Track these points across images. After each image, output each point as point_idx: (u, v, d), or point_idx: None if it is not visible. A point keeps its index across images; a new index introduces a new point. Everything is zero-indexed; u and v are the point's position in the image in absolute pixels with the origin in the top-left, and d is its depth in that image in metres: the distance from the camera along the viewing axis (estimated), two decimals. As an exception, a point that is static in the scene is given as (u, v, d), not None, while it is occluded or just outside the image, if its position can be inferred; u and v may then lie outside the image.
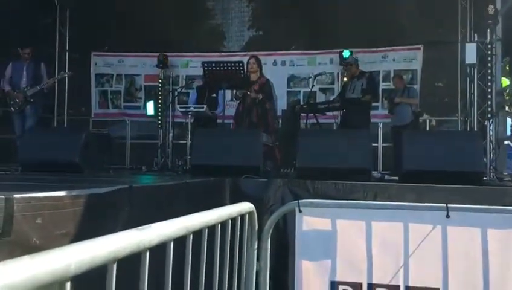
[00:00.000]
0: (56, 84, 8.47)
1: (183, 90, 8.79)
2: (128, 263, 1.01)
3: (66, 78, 8.43)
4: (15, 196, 1.92)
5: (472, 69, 8.05)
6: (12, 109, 7.03)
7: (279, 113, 7.65)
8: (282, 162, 6.51)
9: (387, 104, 8.39)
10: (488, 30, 7.70)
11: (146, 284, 1.09)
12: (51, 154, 5.14)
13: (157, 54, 9.34)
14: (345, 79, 8.11)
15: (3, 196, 1.89)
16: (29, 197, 2.02)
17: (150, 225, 1.08)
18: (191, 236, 1.34)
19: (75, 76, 8.12)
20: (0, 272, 0.60)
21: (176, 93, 8.81)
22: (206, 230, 1.48)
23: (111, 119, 9.82)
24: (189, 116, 7.37)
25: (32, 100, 7.03)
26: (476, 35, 8.04)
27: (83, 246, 0.78)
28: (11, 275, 0.62)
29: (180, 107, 7.69)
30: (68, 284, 0.75)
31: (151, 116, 9.34)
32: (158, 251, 1.13)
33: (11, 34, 8.06)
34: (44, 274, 0.67)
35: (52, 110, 9.32)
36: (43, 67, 7.41)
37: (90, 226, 2.23)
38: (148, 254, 1.06)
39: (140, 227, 1.04)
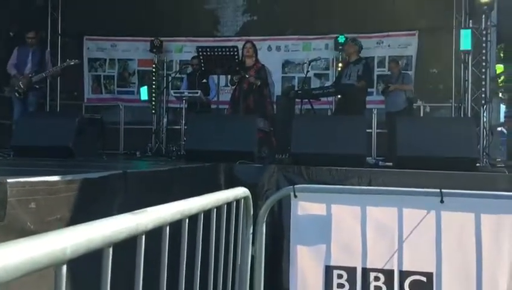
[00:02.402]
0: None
1: (177, 76, 8.73)
2: (123, 248, 1.01)
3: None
4: (8, 180, 1.90)
5: (467, 55, 8.04)
6: (17, 94, 6.95)
7: (273, 99, 7.63)
8: (277, 148, 6.51)
9: (381, 86, 8.37)
10: (483, 16, 7.68)
11: (142, 268, 1.08)
12: (44, 139, 5.11)
13: (151, 38, 9.25)
14: (340, 65, 8.07)
15: (-4, 181, 1.87)
16: (23, 182, 2.00)
17: (145, 209, 1.07)
18: (187, 220, 1.34)
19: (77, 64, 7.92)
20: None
21: (169, 78, 8.75)
22: (202, 214, 1.47)
23: (104, 104, 9.75)
24: (183, 101, 7.34)
25: (37, 86, 6.98)
26: (471, 21, 8.01)
27: (78, 230, 0.78)
28: (7, 258, 0.61)
29: (174, 92, 7.65)
30: (64, 268, 0.74)
31: (144, 101, 9.28)
32: (152, 236, 1.13)
33: (3, 17, 7.94)
34: (40, 257, 0.66)
35: (45, 95, 9.24)
36: (48, 54, 7.33)
37: (85, 211, 2.22)
38: (144, 238, 1.05)
39: (136, 211, 1.03)
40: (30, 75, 6.92)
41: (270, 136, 6.51)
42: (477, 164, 5.19)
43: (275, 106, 7.48)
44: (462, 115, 8.15)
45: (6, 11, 7.95)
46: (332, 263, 2.28)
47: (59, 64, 7.55)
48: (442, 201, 2.16)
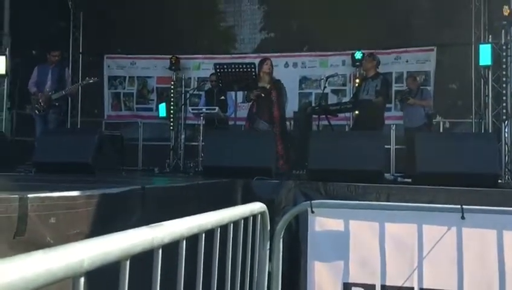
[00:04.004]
0: (80, 88, 8.52)
1: (195, 92, 8.83)
2: (140, 261, 1.01)
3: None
4: (29, 195, 1.94)
5: (486, 70, 7.95)
6: (37, 111, 7.10)
7: (290, 115, 7.64)
8: (290, 162, 6.51)
9: (399, 100, 8.28)
10: (503, 31, 7.61)
11: (159, 282, 1.08)
12: (64, 156, 5.19)
13: (169, 56, 9.39)
14: (357, 80, 8.05)
15: (17, 196, 1.91)
16: (43, 197, 2.04)
17: (162, 222, 1.08)
18: (204, 235, 1.34)
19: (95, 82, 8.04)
20: (13, 266, 0.60)
21: (187, 95, 8.84)
22: (219, 229, 1.47)
23: (124, 121, 9.89)
24: (201, 118, 7.40)
25: (56, 104, 7.12)
26: (490, 36, 7.95)
27: (95, 242, 0.78)
28: (25, 269, 0.62)
29: (192, 109, 7.72)
30: (82, 280, 0.75)
31: (163, 118, 9.38)
32: (169, 251, 1.13)
33: (27, 37, 8.17)
34: (57, 269, 0.67)
35: (65, 112, 9.41)
36: (68, 72, 7.49)
37: (103, 225, 2.24)
38: (160, 251, 1.05)
39: (153, 225, 1.03)
40: (50, 93, 7.07)
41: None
42: (499, 181, 5.09)
43: (292, 122, 7.49)
44: (482, 131, 8.03)
45: (29, 30, 8.18)
46: (351, 280, 2.25)
47: (79, 82, 7.71)
48: (463, 217, 2.12)
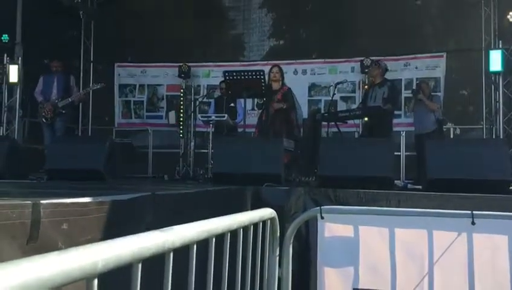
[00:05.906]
0: (91, 95, 8.59)
1: (205, 100, 8.87)
2: (151, 266, 1.02)
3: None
4: (42, 201, 1.96)
5: (497, 76, 7.91)
6: (44, 120, 7.18)
7: (299, 121, 7.64)
8: (304, 171, 6.49)
9: (411, 92, 8.15)
10: (513, 37, 7.58)
11: (170, 286, 1.10)
12: (76, 163, 5.24)
13: (179, 64, 9.46)
14: (366, 87, 8.04)
15: (30, 202, 1.93)
16: (56, 203, 2.06)
17: (172, 227, 1.09)
18: (214, 240, 1.35)
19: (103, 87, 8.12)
20: (29, 266, 0.62)
21: (197, 103, 8.89)
22: (229, 234, 1.48)
23: (134, 129, 9.96)
24: (211, 125, 7.43)
25: (63, 112, 7.19)
26: (500, 42, 7.91)
27: (109, 245, 0.80)
28: (40, 270, 0.63)
29: (202, 116, 7.76)
30: (96, 282, 0.76)
31: (172, 125, 9.44)
32: (179, 256, 1.14)
33: (39, 46, 8.29)
34: (72, 270, 0.68)
35: (77, 120, 9.52)
36: (73, 80, 7.58)
37: (115, 232, 2.25)
38: (172, 255, 1.07)
39: (164, 228, 1.05)
40: (56, 101, 7.15)
41: (296, 158, 6.50)
42: (510, 187, 5.04)
43: (301, 129, 7.48)
44: (493, 137, 7.97)
45: (41, 39, 8.29)
46: (361, 286, 2.24)
47: (84, 88, 7.80)
48: (473, 223, 2.11)
